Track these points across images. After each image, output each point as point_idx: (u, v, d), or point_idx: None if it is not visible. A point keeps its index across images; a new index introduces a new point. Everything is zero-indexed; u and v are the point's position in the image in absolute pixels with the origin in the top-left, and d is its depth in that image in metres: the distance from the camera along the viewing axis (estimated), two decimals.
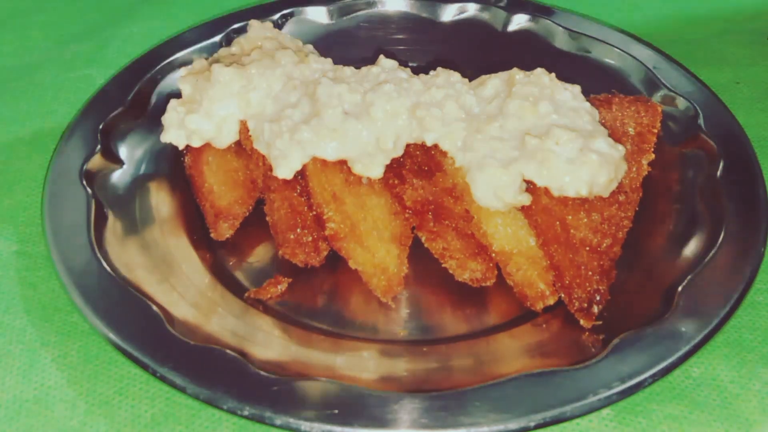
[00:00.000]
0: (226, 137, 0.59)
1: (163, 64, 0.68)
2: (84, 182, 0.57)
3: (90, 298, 0.49)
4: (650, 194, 0.57)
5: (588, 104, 0.58)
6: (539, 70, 0.60)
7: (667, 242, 0.55)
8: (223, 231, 0.58)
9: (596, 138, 0.54)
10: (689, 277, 0.50)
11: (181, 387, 0.44)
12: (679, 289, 0.49)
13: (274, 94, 0.59)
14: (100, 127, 0.61)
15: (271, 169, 0.56)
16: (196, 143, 0.59)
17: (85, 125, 0.62)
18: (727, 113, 0.62)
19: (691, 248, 0.53)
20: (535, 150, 0.53)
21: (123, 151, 0.62)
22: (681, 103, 0.63)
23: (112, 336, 0.47)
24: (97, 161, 0.59)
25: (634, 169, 0.56)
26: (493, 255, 0.53)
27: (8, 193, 0.62)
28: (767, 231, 0.53)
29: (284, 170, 0.55)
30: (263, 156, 0.57)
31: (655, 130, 0.58)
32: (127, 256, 0.53)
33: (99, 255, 0.52)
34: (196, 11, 0.83)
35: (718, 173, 0.56)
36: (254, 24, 0.67)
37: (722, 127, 0.60)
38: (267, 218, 0.57)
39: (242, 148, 0.59)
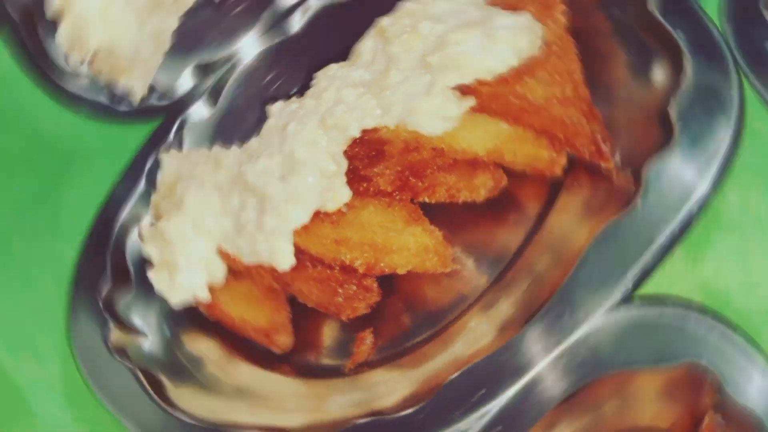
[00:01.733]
0: (220, 271, 0.57)
1: (115, 231, 0.66)
2: (118, 357, 0.55)
3: None
4: (584, 41, 0.54)
5: None
6: (401, 3, 0.59)
7: (630, 71, 0.53)
8: (283, 342, 0.57)
9: (493, 19, 0.53)
10: (675, 97, 0.48)
11: None
12: (671, 111, 0.49)
13: (219, 209, 0.58)
14: (101, 305, 0.59)
15: (275, 270, 0.55)
16: (203, 295, 0.57)
17: (84, 305, 0.60)
18: None
19: (657, 74, 0.52)
20: (443, 62, 0.52)
21: (138, 322, 0.60)
22: None
23: None
24: (118, 336, 0.57)
25: (550, 23, 0.54)
26: (486, 160, 0.53)
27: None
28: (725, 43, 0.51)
29: (284, 262, 0.54)
30: (259, 264, 0.55)
31: None
32: (206, 406, 0.52)
33: (177, 414, 0.49)
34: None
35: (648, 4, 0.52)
36: (164, 157, 0.65)
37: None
38: (308, 304, 0.56)
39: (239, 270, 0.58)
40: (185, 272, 0.57)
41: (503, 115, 0.52)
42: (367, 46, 0.58)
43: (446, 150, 0.53)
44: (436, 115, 0.52)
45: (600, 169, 0.50)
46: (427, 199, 0.55)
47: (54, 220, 0.75)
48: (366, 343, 0.53)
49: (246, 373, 0.56)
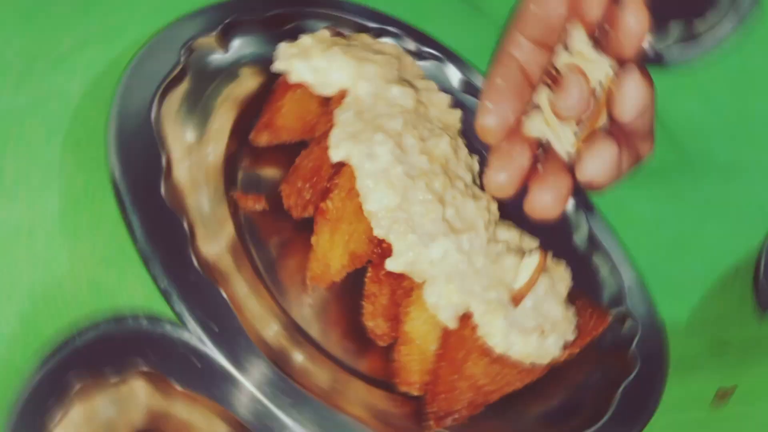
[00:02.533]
0: (323, 88, 0.62)
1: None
2: (182, 50, 0.61)
3: (123, 140, 0.54)
4: (551, 377, 0.60)
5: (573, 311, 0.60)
6: None
7: (540, 413, 0.59)
8: (262, 138, 0.63)
9: (553, 332, 0.56)
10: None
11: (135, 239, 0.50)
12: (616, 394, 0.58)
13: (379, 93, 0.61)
14: (228, 19, 0.65)
15: (327, 135, 0.58)
16: (293, 80, 0.62)
17: (217, 12, 0.65)
18: (664, 346, 0.68)
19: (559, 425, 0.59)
20: (494, 301, 0.55)
21: (235, 43, 0.66)
22: (628, 324, 0.68)
23: (116, 172, 0.52)
24: (207, 39, 0.63)
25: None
26: (399, 330, 0.57)
27: (108, 47, 0.63)
28: None
29: (334, 153, 0.58)
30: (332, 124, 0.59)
31: (591, 337, 0.61)
32: (178, 126, 0.58)
33: (154, 110, 0.56)
34: None
35: (623, 383, 0.62)
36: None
37: (651, 355, 0.66)
38: (297, 158, 0.61)
39: (327, 102, 0.62)
40: (307, 67, 0.61)
41: (442, 346, 0.55)
42: None
43: (407, 299, 0.57)
44: (442, 297, 0.55)
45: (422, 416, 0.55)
46: (366, 274, 0.59)
47: None
48: (255, 205, 0.59)
49: (222, 119, 0.61)
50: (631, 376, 0.63)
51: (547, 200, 0.47)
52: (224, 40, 0.65)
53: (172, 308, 0.49)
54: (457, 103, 0.70)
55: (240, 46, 0.67)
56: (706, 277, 0.81)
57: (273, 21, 0.69)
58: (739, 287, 0.80)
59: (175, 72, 0.60)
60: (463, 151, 0.65)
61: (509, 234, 0.61)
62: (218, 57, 0.65)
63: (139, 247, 0.50)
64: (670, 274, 0.81)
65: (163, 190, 0.53)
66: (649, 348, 0.67)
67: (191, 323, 0.49)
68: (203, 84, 0.63)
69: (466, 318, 0.55)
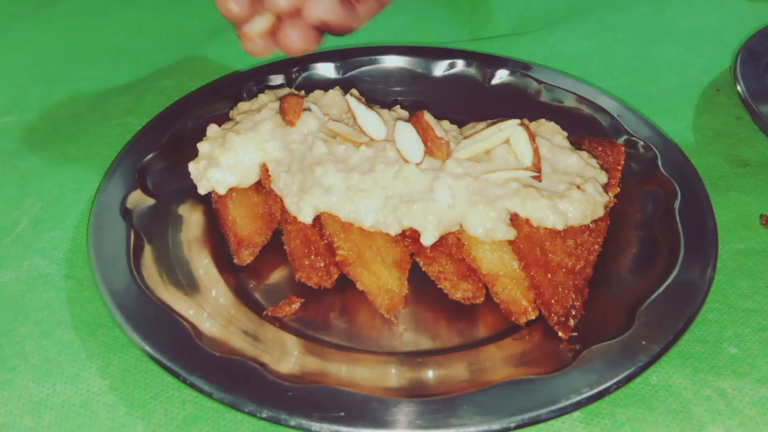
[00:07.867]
0: (248, 179, 0.62)
1: (191, 111, 0.72)
2: (123, 215, 0.60)
3: (129, 315, 0.52)
4: (616, 223, 0.60)
5: (585, 153, 0.60)
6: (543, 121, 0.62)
7: (630, 265, 0.58)
8: (245, 257, 0.61)
9: (587, 181, 0.56)
10: (650, 298, 0.53)
11: (208, 393, 0.47)
12: (641, 308, 0.52)
13: (287, 142, 0.61)
14: (138, 167, 0.65)
15: (286, 210, 0.59)
16: (222, 191, 0.62)
17: (124, 165, 0.66)
18: (682, 155, 0.66)
19: (651, 271, 0.56)
20: (519, 190, 0.55)
21: (157, 188, 0.66)
22: (641, 146, 0.67)
23: (147, 348, 0.50)
24: (135, 197, 0.63)
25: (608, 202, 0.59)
26: (482, 277, 0.56)
27: (59, 225, 0.66)
28: (716, 258, 0.56)
29: (304, 217, 0.57)
30: (281, 196, 0.60)
31: (620, 167, 0.62)
32: (160, 279, 0.57)
33: (136, 278, 0.55)
34: (221, 69, 0.87)
35: (675, 207, 0.60)
36: (261, 96, 0.68)
37: (677, 167, 0.64)
38: (284, 246, 0.61)
39: (262, 185, 0.62)
40: (221, 170, 0.60)
41: (520, 256, 0.55)
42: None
43: (464, 248, 0.57)
44: (483, 221, 0.55)
45: (555, 335, 0.53)
46: (421, 264, 0.59)
47: (136, 101, 0.81)
48: (291, 307, 0.57)
49: (205, 268, 0.60)
50: (677, 197, 0.60)
51: (294, 37, 0.51)
52: (147, 189, 0.64)
53: (288, 425, 0.46)
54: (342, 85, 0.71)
55: (163, 187, 0.65)
56: (688, 96, 0.80)
57: (170, 147, 0.68)
58: (726, 105, 0.79)
59: (134, 240, 0.58)
60: (383, 110, 0.63)
61: (485, 130, 0.59)
62: (154, 206, 0.63)
63: (216, 398, 0.47)
64: (649, 96, 0.81)
65: (205, 347, 0.50)
66: (675, 165, 0.64)
67: (317, 425, 0.45)
68: (161, 240, 0.61)
69: (516, 221, 0.55)
